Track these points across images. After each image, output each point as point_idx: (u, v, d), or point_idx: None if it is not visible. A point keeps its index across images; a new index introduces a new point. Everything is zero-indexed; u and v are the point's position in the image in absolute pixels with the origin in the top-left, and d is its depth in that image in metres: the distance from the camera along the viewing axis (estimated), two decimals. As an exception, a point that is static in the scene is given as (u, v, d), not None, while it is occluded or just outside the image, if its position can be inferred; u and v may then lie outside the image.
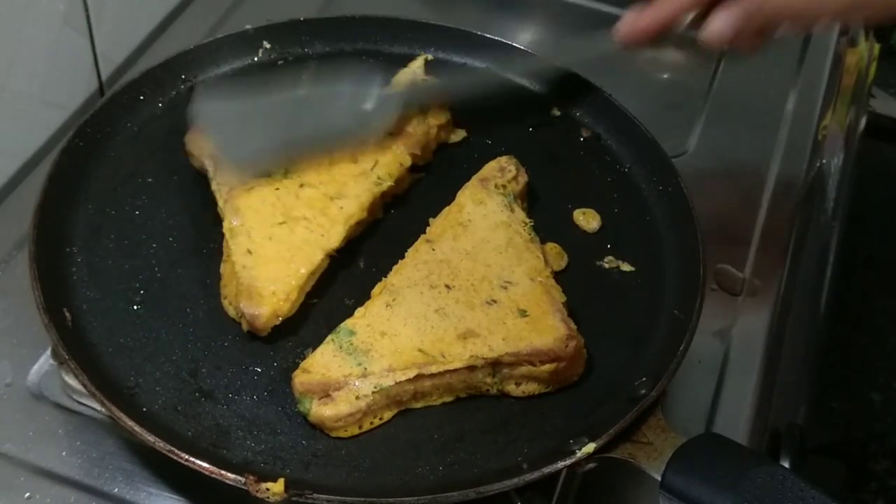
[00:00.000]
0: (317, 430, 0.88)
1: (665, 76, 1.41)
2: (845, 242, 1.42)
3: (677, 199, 1.07)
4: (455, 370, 0.90)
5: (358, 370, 0.89)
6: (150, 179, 1.06)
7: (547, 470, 0.84)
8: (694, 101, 1.34)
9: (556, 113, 1.19)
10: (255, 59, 1.20)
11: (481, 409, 0.91)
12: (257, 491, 0.80)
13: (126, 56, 1.31)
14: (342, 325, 0.92)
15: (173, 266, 0.99)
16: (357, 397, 0.87)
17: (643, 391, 0.89)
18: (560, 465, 0.84)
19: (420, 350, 0.90)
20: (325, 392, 0.88)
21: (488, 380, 0.92)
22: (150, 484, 0.90)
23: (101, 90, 1.27)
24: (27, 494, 0.89)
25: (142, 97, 1.13)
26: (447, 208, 1.04)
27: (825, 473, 1.02)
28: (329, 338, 0.91)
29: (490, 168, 1.07)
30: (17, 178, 1.16)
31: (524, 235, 1.01)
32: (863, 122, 1.79)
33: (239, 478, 0.81)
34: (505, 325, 0.93)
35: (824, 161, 1.35)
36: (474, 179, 1.06)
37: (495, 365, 0.91)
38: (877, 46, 1.76)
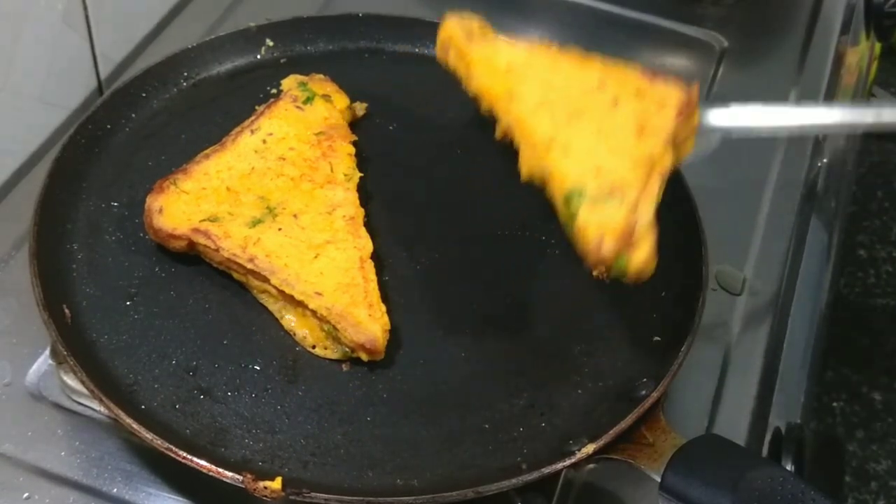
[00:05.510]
0: (314, 426, 0.88)
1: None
2: (845, 242, 1.41)
3: (679, 199, 1.06)
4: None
5: (627, 205, 0.86)
6: (151, 176, 1.06)
7: (546, 470, 0.84)
8: (694, 101, 1.34)
9: (558, 112, 1.18)
10: (258, 56, 1.20)
11: (481, 409, 0.91)
12: (255, 489, 0.80)
13: (125, 55, 1.31)
14: (565, 195, 0.88)
15: (173, 263, 0.99)
16: (649, 223, 0.86)
17: (643, 391, 0.89)
18: (559, 465, 0.84)
19: (634, 161, 0.89)
20: (628, 241, 0.85)
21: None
22: (149, 484, 0.90)
23: (100, 89, 1.27)
24: (26, 494, 0.89)
25: (144, 94, 1.13)
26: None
27: (825, 473, 1.02)
28: (571, 213, 0.88)
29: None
30: (14, 179, 1.16)
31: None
32: (863, 121, 1.78)
33: (237, 476, 0.81)
34: (644, 101, 0.92)
35: (824, 161, 1.35)
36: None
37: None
38: (878, 46, 1.75)
